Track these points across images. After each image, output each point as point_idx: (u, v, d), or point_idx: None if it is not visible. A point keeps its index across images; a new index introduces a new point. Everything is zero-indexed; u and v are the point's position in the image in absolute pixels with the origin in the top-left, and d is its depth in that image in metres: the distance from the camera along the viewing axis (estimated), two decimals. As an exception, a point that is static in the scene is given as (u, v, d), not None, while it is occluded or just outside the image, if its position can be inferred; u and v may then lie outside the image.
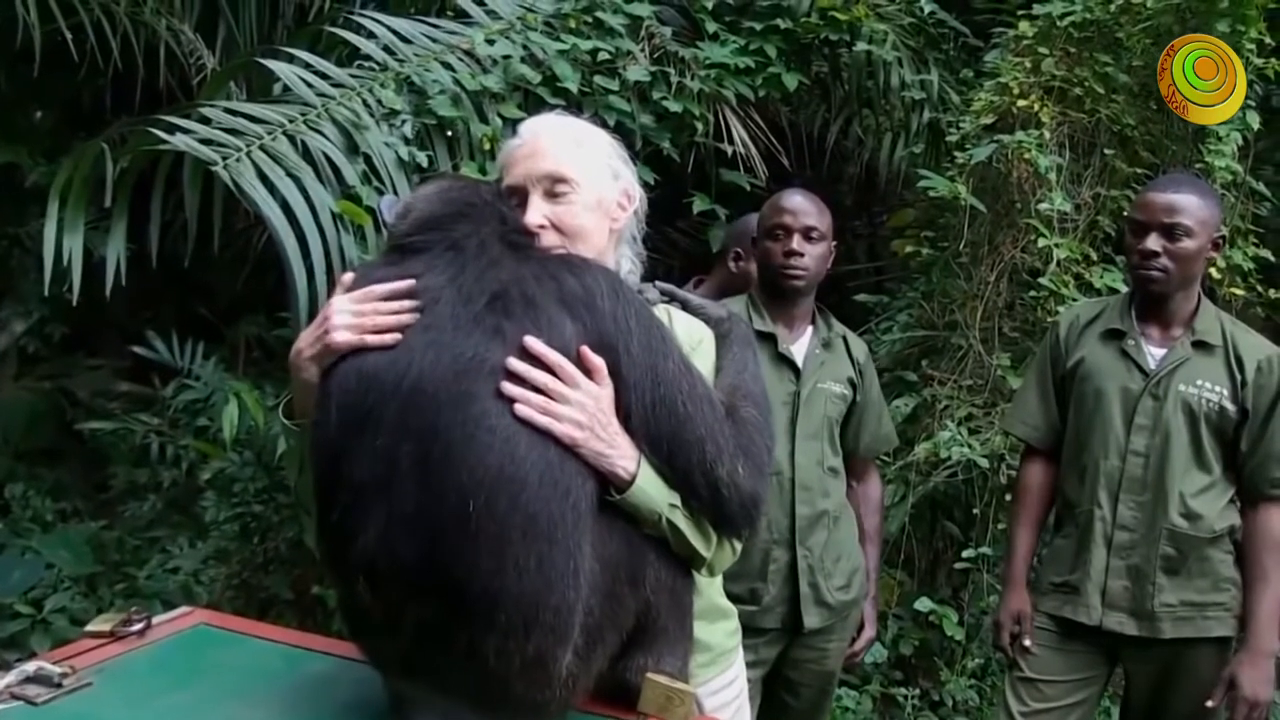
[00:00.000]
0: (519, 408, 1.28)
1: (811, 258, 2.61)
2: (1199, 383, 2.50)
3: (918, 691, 3.60)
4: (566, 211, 1.59)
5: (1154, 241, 2.49)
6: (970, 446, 3.34)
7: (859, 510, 2.77)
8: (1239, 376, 2.49)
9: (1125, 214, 3.11)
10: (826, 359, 2.66)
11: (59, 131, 5.55)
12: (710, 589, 1.71)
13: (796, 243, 2.59)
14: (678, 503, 1.39)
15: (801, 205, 2.63)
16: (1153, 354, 2.56)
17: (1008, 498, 3.41)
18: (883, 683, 3.60)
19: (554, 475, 1.29)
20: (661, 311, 1.63)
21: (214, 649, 1.82)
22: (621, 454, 1.35)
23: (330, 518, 1.35)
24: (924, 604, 3.41)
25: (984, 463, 3.35)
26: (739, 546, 1.53)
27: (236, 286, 5.31)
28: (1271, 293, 3.49)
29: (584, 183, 1.61)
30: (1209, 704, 2.43)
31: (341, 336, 1.38)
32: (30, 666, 1.58)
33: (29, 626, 3.83)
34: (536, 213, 1.58)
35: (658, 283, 1.72)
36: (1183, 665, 2.52)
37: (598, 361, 1.35)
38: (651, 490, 1.37)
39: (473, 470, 1.25)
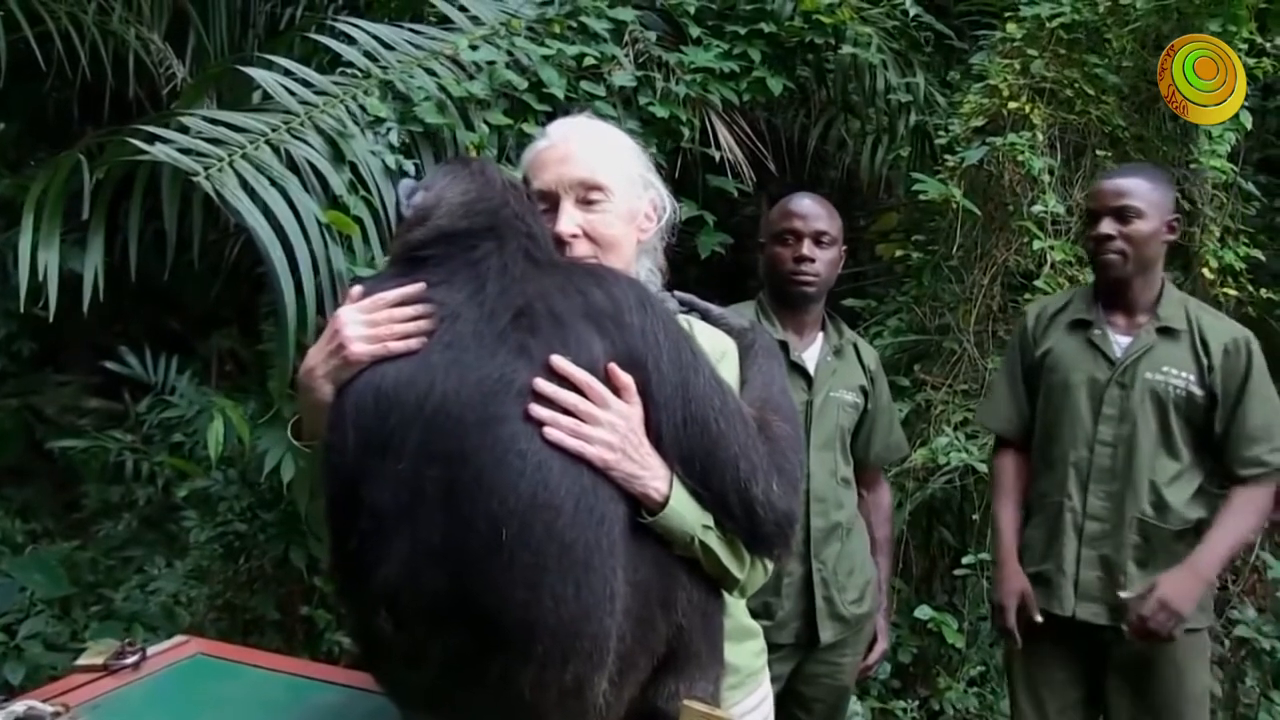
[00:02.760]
0: (549, 431, 1.23)
1: (822, 263, 2.57)
2: (1165, 369, 2.50)
3: (917, 701, 3.56)
4: (600, 220, 1.54)
5: (1107, 226, 2.51)
6: (968, 451, 3.30)
7: (869, 520, 2.73)
8: (1205, 361, 2.49)
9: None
10: (838, 367, 2.62)
11: (23, 142, 5.44)
12: (737, 608, 1.66)
13: (807, 248, 2.55)
14: (711, 523, 1.34)
15: (812, 209, 2.59)
16: (1119, 342, 2.56)
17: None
18: (881, 694, 3.56)
19: (589, 501, 1.24)
20: (681, 322, 1.57)
21: (213, 681, 1.77)
22: (654, 475, 1.30)
23: (347, 545, 1.29)
24: (924, 611, 3.38)
25: (982, 467, 3.31)
26: (771, 566, 1.48)
27: (209, 299, 5.20)
28: (1263, 292, 3.49)
29: (618, 191, 1.56)
30: (1121, 594, 2.42)
31: (359, 348, 1.32)
32: (19, 706, 1.53)
33: (1, 655, 3.70)
34: (569, 221, 1.52)
35: (677, 293, 1.67)
36: (1161, 656, 2.48)
37: (626, 379, 1.29)
38: (685, 511, 1.32)
39: (504, 498, 1.20)
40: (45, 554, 4.41)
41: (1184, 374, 2.49)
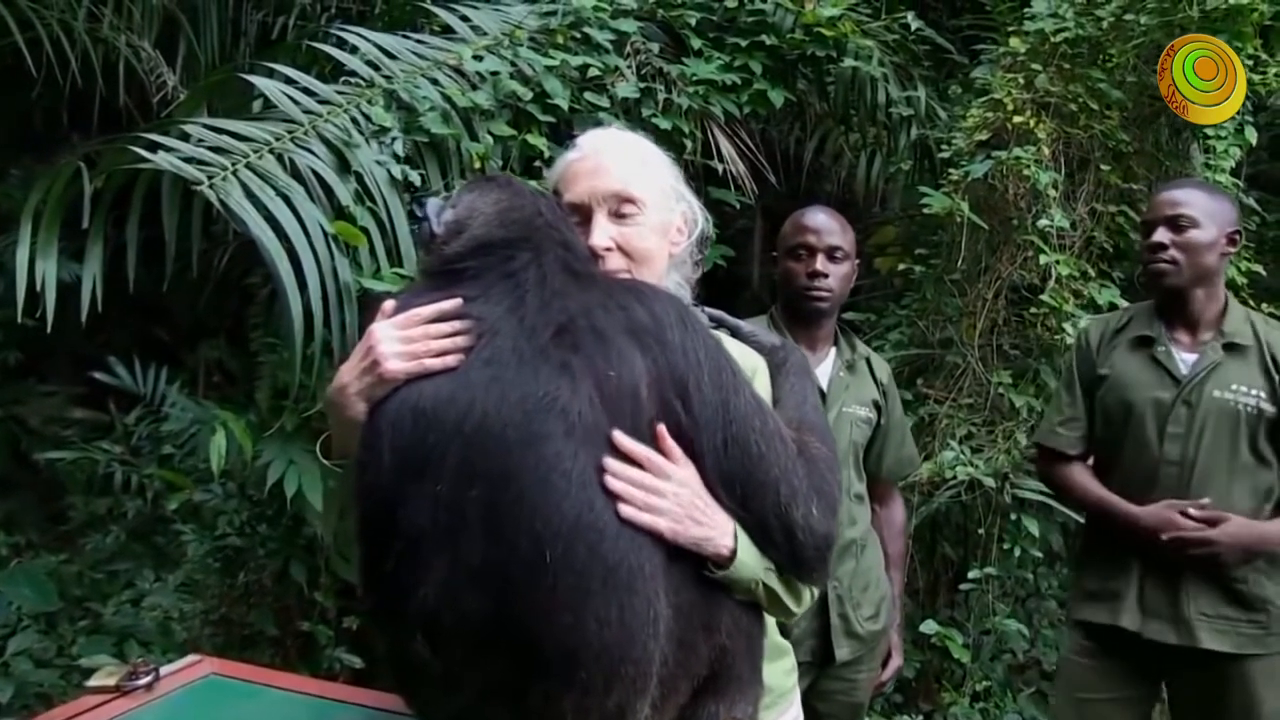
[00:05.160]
0: (624, 508, 1.21)
1: (835, 278, 2.56)
2: (1235, 387, 2.45)
3: (920, 716, 3.54)
4: (635, 234, 1.52)
5: (1161, 234, 2.49)
6: (974, 466, 3.29)
7: (882, 535, 2.71)
8: (1276, 376, 2.45)
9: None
10: (851, 382, 2.60)
11: (7, 150, 5.37)
12: (769, 626, 1.64)
13: (820, 263, 2.53)
14: (772, 566, 1.34)
15: (825, 224, 2.57)
16: (1184, 360, 2.50)
17: (1013, 517, 3.38)
18: (884, 708, 3.54)
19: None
20: (713, 339, 1.55)
21: (229, 702, 1.73)
22: (721, 532, 1.30)
23: (382, 567, 1.26)
24: (930, 626, 3.36)
25: (989, 481, 3.30)
26: (815, 592, 1.46)
27: (197, 309, 5.14)
28: (1264, 307, 3.48)
29: (651, 204, 1.54)
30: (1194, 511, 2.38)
31: (395, 365, 1.29)
32: (32, 730, 1.48)
33: (-12, 673, 3.62)
34: (603, 234, 1.50)
35: (706, 309, 1.64)
36: (1231, 683, 2.43)
37: (673, 446, 1.28)
38: (750, 560, 1.32)
39: (548, 519, 1.18)
40: (31, 567, 4.33)
41: (1255, 391, 2.45)
